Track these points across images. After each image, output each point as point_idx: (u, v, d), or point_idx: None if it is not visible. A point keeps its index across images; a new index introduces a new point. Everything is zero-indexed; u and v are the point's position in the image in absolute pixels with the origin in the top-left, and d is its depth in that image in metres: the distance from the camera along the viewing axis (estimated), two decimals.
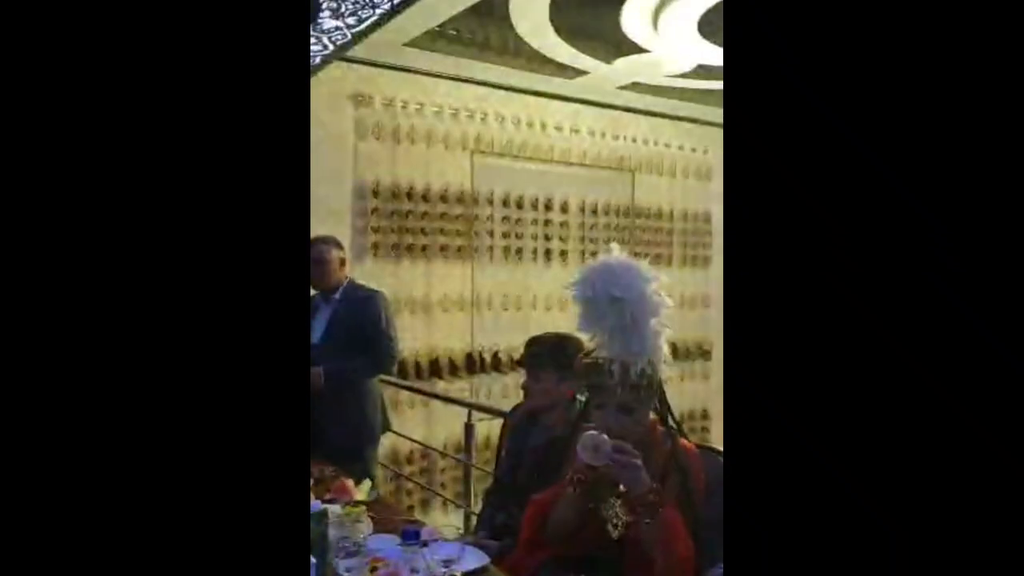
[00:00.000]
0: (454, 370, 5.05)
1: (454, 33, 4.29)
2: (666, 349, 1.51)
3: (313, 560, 1.20)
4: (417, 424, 4.72)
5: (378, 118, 4.78)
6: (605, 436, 1.42)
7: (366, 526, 1.70)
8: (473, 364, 5.12)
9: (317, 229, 3.05)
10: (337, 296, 2.71)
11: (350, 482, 2.01)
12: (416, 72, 4.82)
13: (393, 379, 4.27)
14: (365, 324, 2.65)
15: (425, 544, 1.46)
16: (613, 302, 1.47)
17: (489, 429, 3.89)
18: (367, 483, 2.08)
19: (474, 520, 2.73)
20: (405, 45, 4.37)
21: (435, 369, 4.98)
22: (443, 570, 1.39)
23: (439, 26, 4.09)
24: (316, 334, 2.71)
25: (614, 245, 1.57)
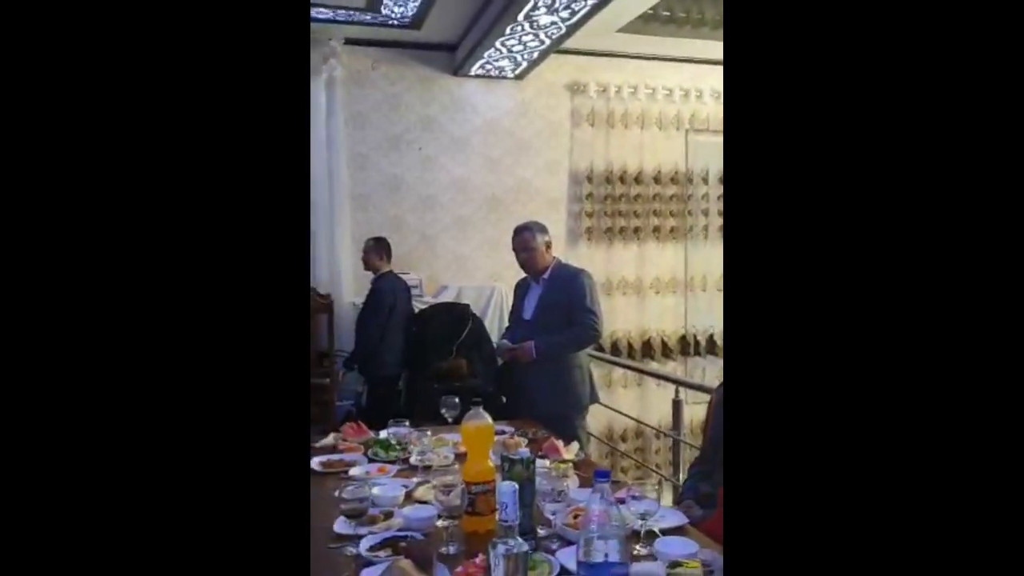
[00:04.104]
0: (667, 351, 5.06)
1: (667, 13, 4.28)
2: None
3: (516, 487, 1.37)
4: (631, 404, 4.82)
5: (593, 105, 4.93)
6: None
7: (572, 481, 1.86)
8: (687, 346, 5.09)
9: (535, 217, 3.27)
10: (546, 276, 2.89)
11: (560, 443, 2.18)
12: (630, 56, 4.88)
13: (604, 355, 4.42)
14: (571, 301, 2.80)
15: (623, 502, 1.56)
16: None
17: (702, 413, 3.86)
18: (575, 445, 2.24)
19: None
20: (619, 31, 4.45)
21: (647, 350, 5.04)
22: (640, 523, 1.49)
23: (652, 8, 4.10)
24: (528, 312, 2.93)
25: None
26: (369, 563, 1.39)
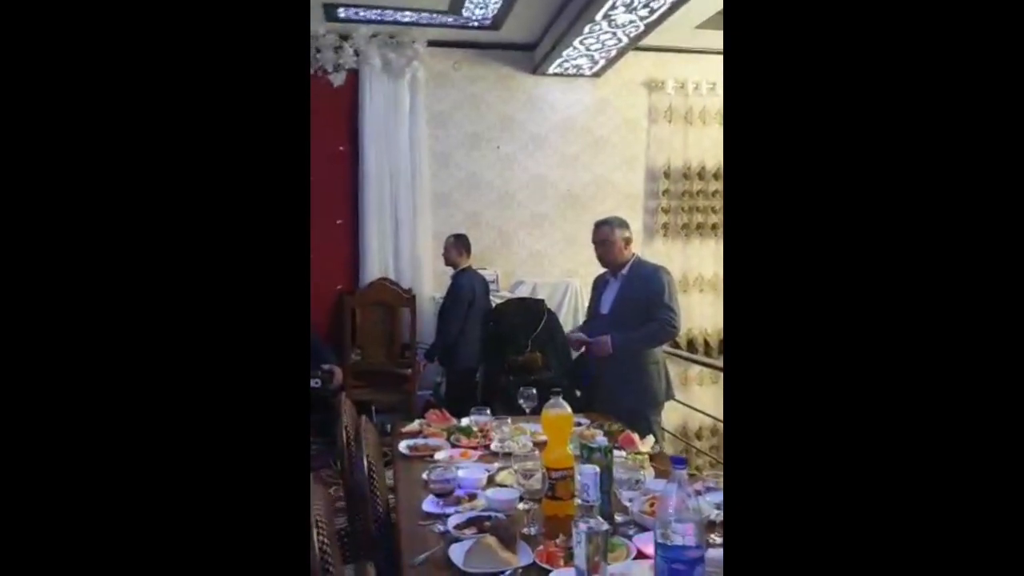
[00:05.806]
0: None
1: None
2: None
3: (597, 469, 1.44)
4: (707, 401, 4.78)
5: (670, 101, 4.91)
6: None
7: (648, 472, 1.91)
8: None
9: (612, 213, 3.31)
10: (624, 272, 2.93)
11: (635, 435, 2.23)
12: (709, 52, 4.83)
13: (680, 352, 4.40)
14: (649, 297, 2.83)
15: (699, 493, 1.60)
16: None
17: None
18: (651, 439, 2.29)
19: None
20: (698, 27, 4.42)
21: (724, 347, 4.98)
22: (716, 512, 1.53)
23: None
24: (605, 306, 2.97)
25: None
26: (456, 539, 1.49)
